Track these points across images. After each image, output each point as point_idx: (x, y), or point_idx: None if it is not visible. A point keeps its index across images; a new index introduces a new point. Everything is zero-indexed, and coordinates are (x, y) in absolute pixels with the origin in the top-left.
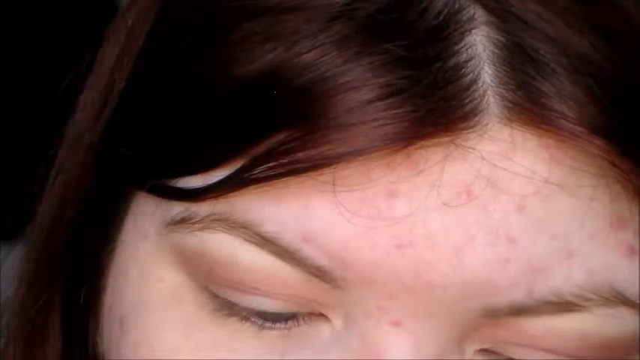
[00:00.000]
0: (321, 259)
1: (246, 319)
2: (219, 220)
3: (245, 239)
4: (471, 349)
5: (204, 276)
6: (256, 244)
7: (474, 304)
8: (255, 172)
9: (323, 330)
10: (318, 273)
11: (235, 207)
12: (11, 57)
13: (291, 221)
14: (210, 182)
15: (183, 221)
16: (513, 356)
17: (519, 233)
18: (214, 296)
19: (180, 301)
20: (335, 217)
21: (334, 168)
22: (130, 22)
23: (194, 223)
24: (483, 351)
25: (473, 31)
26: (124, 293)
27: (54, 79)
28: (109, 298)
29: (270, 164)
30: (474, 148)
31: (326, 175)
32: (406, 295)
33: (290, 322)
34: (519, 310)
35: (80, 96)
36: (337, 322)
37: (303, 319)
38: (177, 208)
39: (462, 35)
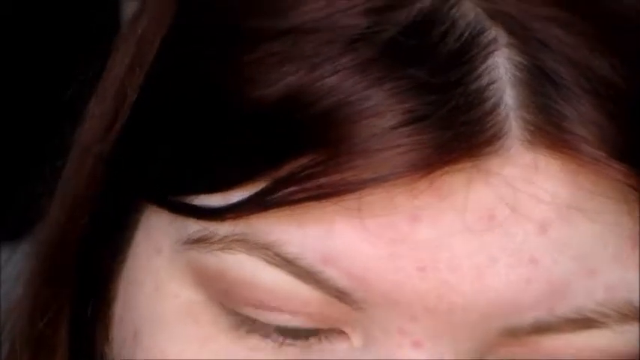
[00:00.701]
0: (342, 281)
1: (266, 335)
2: (239, 241)
3: (266, 260)
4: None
5: (223, 295)
6: (277, 265)
7: (496, 324)
8: (277, 195)
9: (342, 347)
10: (339, 294)
11: (256, 228)
12: (11, 57)
13: (313, 243)
14: (230, 202)
15: (201, 240)
16: None
17: (541, 254)
18: (233, 312)
19: (196, 318)
20: (357, 240)
21: (358, 194)
22: (139, 32)
23: (213, 243)
24: None
25: (495, 53)
26: (137, 306)
27: (54, 79)
28: (120, 310)
29: (292, 188)
30: (497, 173)
31: (349, 200)
32: (428, 317)
33: (310, 339)
34: (540, 328)
35: (88, 104)
36: (356, 340)
37: (325, 335)
38: (194, 227)
39: (484, 58)
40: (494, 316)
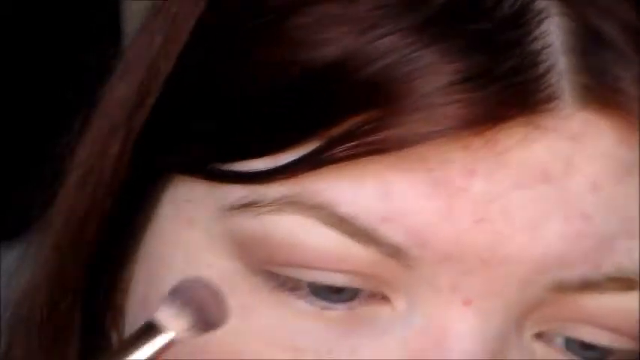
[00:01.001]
0: (399, 237)
1: (308, 299)
2: (291, 203)
3: (319, 220)
4: (529, 333)
5: (265, 259)
6: (331, 225)
7: (546, 278)
8: (335, 151)
9: (384, 311)
10: (394, 252)
11: (308, 189)
12: (11, 56)
13: (369, 202)
14: (281, 163)
15: (248, 205)
16: (571, 334)
17: (592, 211)
18: (274, 277)
19: (233, 287)
20: (414, 197)
21: (414, 149)
22: (174, 10)
23: (262, 206)
24: (538, 336)
25: (547, 19)
26: (164, 281)
27: (54, 79)
28: (142, 288)
29: (349, 144)
30: (552, 130)
31: (405, 156)
32: (481, 271)
33: (351, 303)
34: (586, 285)
35: (105, 91)
36: (399, 303)
37: (366, 299)
38: (239, 193)
39: (538, 23)
40: (545, 269)
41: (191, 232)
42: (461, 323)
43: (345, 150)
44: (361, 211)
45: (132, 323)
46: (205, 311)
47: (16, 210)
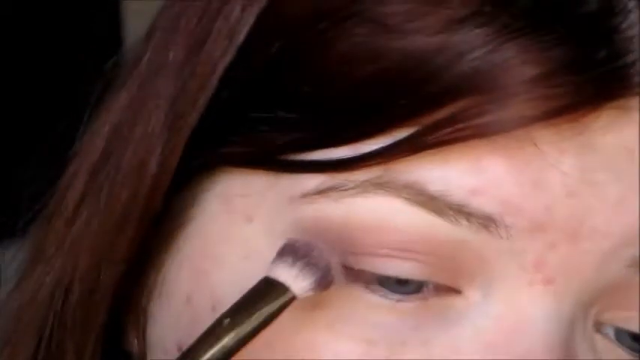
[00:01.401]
0: (490, 208)
1: (378, 292)
2: (378, 184)
3: (406, 200)
4: (591, 322)
5: (340, 247)
6: (419, 203)
7: (627, 252)
8: (434, 136)
9: (457, 302)
10: (486, 223)
11: (396, 170)
12: (10, 56)
13: (460, 177)
14: (369, 149)
15: (328, 190)
16: (624, 325)
17: None
18: (347, 269)
19: None
20: (505, 171)
21: (509, 133)
22: (228, 6)
23: (345, 189)
24: (596, 328)
25: (632, 10)
26: (216, 279)
27: (53, 79)
28: (186, 287)
29: (448, 129)
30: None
31: (497, 137)
32: (567, 245)
33: (423, 295)
34: None
35: (120, 86)
36: (473, 294)
37: (437, 291)
38: (316, 180)
39: (628, 13)
40: (628, 243)
41: (248, 227)
42: (538, 308)
43: (444, 135)
44: (451, 187)
45: (168, 325)
46: (322, 272)
47: (13, 209)
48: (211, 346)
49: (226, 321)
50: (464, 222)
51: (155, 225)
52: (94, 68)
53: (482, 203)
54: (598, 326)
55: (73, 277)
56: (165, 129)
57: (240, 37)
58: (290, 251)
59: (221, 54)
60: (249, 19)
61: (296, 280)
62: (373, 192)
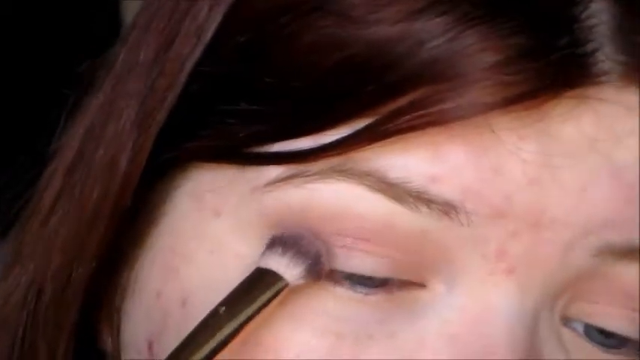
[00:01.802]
0: (451, 195)
1: (341, 284)
2: (338, 171)
3: (368, 187)
4: (558, 315)
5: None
6: (380, 190)
7: (591, 242)
8: (393, 124)
9: (422, 295)
10: (447, 209)
11: (355, 158)
12: (9, 55)
13: (420, 164)
14: (329, 140)
15: (291, 177)
16: (593, 321)
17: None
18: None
19: None
20: (465, 156)
21: (467, 120)
22: (196, 5)
23: (307, 176)
24: (564, 322)
25: (595, 0)
26: (185, 274)
27: (51, 79)
28: (156, 285)
29: (407, 117)
30: (599, 104)
31: (456, 125)
32: (528, 234)
33: (389, 287)
34: (630, 250)
35: (109, 87)
36: (438, 286)
37: (403, 284)
38: (278, 169)
39: (588, 4)
40: (591, 233)
41: (216, 222)
42: (501, 298)
43: (404, 122)
44: (411, 174)
45: (139, 321)
46: (313, 260)
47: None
48: (211, 334)
49: (222, 309)
50: (424, 209)
51: (128, 223)
52: (91, 68)
53: (442, 190)
54: (565, 320)
55: (46, 276)
56: (135, 127)
57: (208, 35)
58: (279, 242)
59: (189, 52)
60: (217, 17)
61: (287, 268)
62: (335, 178)
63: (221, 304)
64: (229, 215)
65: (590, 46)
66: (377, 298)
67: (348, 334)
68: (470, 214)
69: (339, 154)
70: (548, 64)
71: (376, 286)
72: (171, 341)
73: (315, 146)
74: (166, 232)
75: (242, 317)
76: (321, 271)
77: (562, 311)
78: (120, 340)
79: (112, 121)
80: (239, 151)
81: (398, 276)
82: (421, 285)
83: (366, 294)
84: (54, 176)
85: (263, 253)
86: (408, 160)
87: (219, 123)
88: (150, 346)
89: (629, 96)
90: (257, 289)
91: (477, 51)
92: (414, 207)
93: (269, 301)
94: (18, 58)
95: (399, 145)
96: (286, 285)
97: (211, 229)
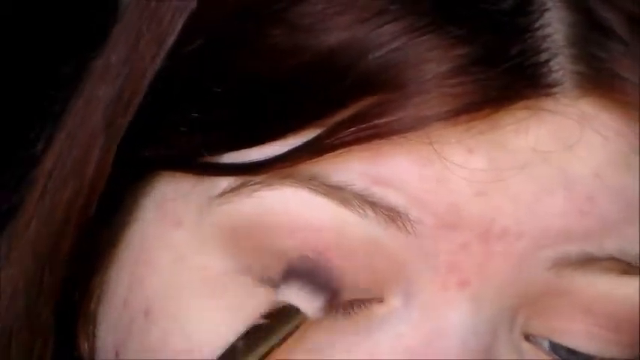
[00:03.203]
0: (396, 199)
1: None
2: (282, 177)
3: (312, 190)
4: (518, 331)
5: (259, 251)
6: (324, 194)
7: (545, 255)
8: (339, 137)
9: (379, 309)
10: (393, 214)
11: (298, 166)
12: (9, 56)
13: (362, 169)
14: (278, 152)
15: (240, 187)
16: (558, 339)
17: (597, 194)
18: (267, 278)
19: (225, 287)
20: (408, 164)
21: (420, 132)
22: (164, 9)
23: (253, 184)
24: (527, 338)
25: (551, 9)
26: (149, 284)
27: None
28: (123, 293)
29: (353, 129)
30: (553, 114)
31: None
32: (479, 246)
33: (345, 304)
34: (587, 261)
35: (82, 93)
36: (395, 300)
37: (357, 303)
38: (227, 181)
39: (542, 12)
40: (545, 245)
41: (178, 232)
42: (455, 312)
43: (348, 135)
44: (354, 177)
45: (108, 328)
46: (332, 294)
47: None
48: None
49: (241, 343)
50: (370, 213)
51: (100, 228)
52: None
53: (386, 194)
54: (528, 336)
55: (20, 280)
56: (101, 132)
57: (169, 42)
58: (296, 274)
59: (151, 58)
60: (178, 24)
61: (306, 302)
62: (279, 184)
63: (240, 338)
64: (190, 226)
65: (543, 56)
66: (333, 314)
67: (302, 348)
68: (415, 223)
69: (287, 166)
70: (495, 75)
71: (333, 301)
72: (135, 351)
73: (262, 159)
74: (134, 239)
75: (261, 352)
76: (339, 304)
77: (523, 327)
78: (95, 346)
79: (84, 125)
80: (192, 160)
81: (354, 292)
82: (379, 300)
83: (322, 309)
84: (37, 179)
85: (280, 286)
86: (350, 163)
87: (173, 131)
88: (117, 355)
89: (583, 106)
90: (277, 323)
91: (422, 61)
92: (360, 211)
93: (289, 335)
94: (16, 58)
95: (342, 150)
96: (305, 319)
97: (173, 239)
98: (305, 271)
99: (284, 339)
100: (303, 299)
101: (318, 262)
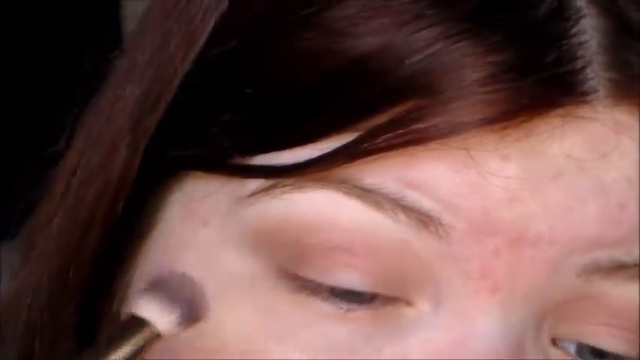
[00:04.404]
0: (428, 203)
1: (327, 300)
2: (313, 180)
3: (344, 193)
4: (546, 335)
5: (288, 251)
6: (356, 196)
7: (576, 262)
8: (375, 142)
9: (408, 313)
10: (425, 219)
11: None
12: (8, 56)
13: (394, 171)
14: (313, 155)
15: (270, 188)
16: (585, 340)
17: (629, 202)
18: (295, 277)
19: (252, 287)
20: (443, 167)
21: (456, 137)
22: (193, 11)
23: (285, 185)
24: (554, 342)
25: (586, 17)
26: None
27: (53, 79)
28: None
29: (389, 135)
30: (588, 122)
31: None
32: (511, 252)
33: (373, 304)
34: (617, 267)
35: (106, 94)
36: (424, 305)
37: (388, 301)
38: (258, 181)
39: (578, 19)
40: (576, 251)
41: (204, 232)
42: (485, 318)
43: (385, 141)
44: (387, 180)
45: None
46: (190, 306)
47: (15, 209)
48: None
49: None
50: (402, 217)
51: (126, 227)
52: (94, 68)
53: (419, 198)
54: (555, 341)
55: (44, 276)
56: (128, 132)
57: (200, 42)
58: (150, 287)
59: (182, 57)
60: (209, 24)
61: (160, 315)
62: (311, 187)
63: (84, 353)
64: (217, 225)
65: (579, 63)
66: (360, 314)
67: (329, 349)
68: (448, 228)
69: (320, 170)
70: (530, 83)
71: (361, 302)
72: (161, 351)
73: (294, 162)
74: (159, 239)
75: None
76: (196, 318)
77: (550, 331)
78: None
79: (109, 125)
80: (222, 161)
81: (383, 291)
82: (407, 302)
83: (349, 310)
84: (59, 178)
85: (136, 298)
86: (382, 166)
87: (204, 132)
88: None
89: (618, 114)
90: (125, 336)
91: (458, 68)
92: (392, 215)
93: (140, 349)
94: (18, 59)
95: (377, 156)
96: (158, 334)
97: (199, 239)
98: (159, 283)
99: (133, 353)
100: (156, 312)
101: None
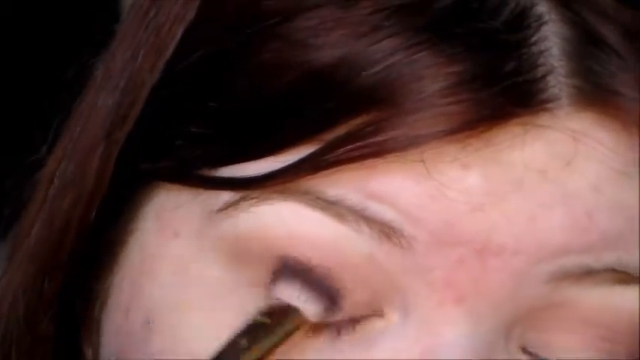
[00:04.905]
0: (390, 214)
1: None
2: (278, 192)
3: (307, 205)
4: (515, 343)
5: (260, 263)
6: (320, 208)
7: (543, 270)
8: (335, 154)
9: (377, 324)
10: (387, 230)
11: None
12: (9, 57)
13: (356, 183)
14: (275, 167)
15: (239, 201)
16: (555, 353)
17: (596, 209)
18: (268, 288)
19: (226, 299)
20: (402, 179)
21: (419, 149)
22: (161, 20)
23: (252, 198)
24: (525, 350)
25: (547, 24)
26: (150, 294)
27: (53, 79)
28: (126, 300)
29: (349, 147)
30: (550, 131)
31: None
32: (475, 262)
33: (344, 315)
34: (585, 273)
35: (83, 102)
36: (393, 315)
37: (357, 313)
38: (228, 194)
39: (538, 27)
40: (543, 260)
41: (176, 243)
42: (452, 328)
43: (344, 153)
44: (349, 192)
45: (111, 336)
46: (332, 298)
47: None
48: None
49: (243, 341)
50: (365, 228)
51: (102, 235)
52: (79, 74)
53: (382, 209)
54: (525, 349)
55: (20, 287)
56: (102, 141)
57: (168, 52)
58: (295, 279)
59: (150, 68)
60: (177, 34)
61: (306, 304)
62: (276, 199)
63: (240, 335)
64: (188, 237)
65: (539, 71)
66: (333, 326)
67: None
68: (410, 239)
69: (282, 182)
70: (490, 93)
71: (333, 312)
72: None
73: (258, 174)
74: (135, 248)
75: (263, 347)
76: (339, 309)
77: (520, 339)
78: (99, 353)
79: (84, 133)
80: (190, 173)
81: (352, 304)
82: (378, 313)
83: (321, 312)
84: (40, 184)
85: (274, 283)
86: (344, 178)
87: (171, 144)
88: None
89: (580, 121)
90: (277, 322)
91: (417, 79)
92: (355, 226)
93: (289, 334)
94: (16, 59)
95: (337, 168)
96: (305, 321)
97: (172, 250)
98: (304, 276)
99: (284, 338)
100: (303, 302)
101: (316, 268)
